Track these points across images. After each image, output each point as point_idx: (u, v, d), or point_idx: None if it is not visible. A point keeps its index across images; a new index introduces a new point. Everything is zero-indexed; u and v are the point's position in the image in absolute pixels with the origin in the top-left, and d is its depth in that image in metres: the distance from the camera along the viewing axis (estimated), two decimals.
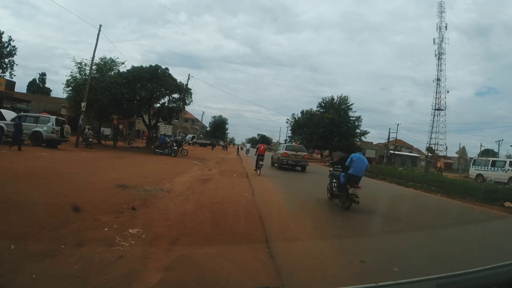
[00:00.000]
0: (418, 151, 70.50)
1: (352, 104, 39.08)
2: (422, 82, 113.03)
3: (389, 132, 47.52)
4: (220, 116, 76.72)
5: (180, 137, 40.36)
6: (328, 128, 35.90)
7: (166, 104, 22.10)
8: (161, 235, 4.01)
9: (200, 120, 70.75)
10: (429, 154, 71.00)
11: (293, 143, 25.25)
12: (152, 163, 13.55)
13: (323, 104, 40.31)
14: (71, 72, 23.26)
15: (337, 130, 36.29)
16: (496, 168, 20.47)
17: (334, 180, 7.60)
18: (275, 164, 16.46)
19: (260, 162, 13.21)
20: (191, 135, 48.86)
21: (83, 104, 18.40)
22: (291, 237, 4.48)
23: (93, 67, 22.98)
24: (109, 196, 6.03)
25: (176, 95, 22.13)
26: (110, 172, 9.24)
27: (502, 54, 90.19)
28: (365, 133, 39.78)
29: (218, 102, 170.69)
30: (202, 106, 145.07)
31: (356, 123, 38.93)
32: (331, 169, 9.12)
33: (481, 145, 40.91)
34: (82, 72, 23.19)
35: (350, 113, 39.05)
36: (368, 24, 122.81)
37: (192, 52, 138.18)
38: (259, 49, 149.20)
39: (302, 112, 49.52)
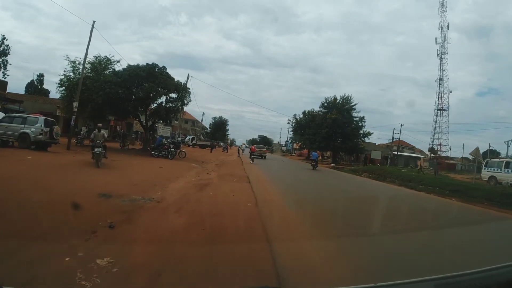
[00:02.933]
0: (421, 151, 69.74)
1: (355, 104, 38.19)
2: (423, 83, 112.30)
3: (393, 133, 46.50)
4: (221, 117, 75.65)
5: (179, 138, 39.39)
6: (331, 129, 34.92)
7: (164, 104, 21.14)
8: (139, 268, 3.05)
9: (200, 121, 69.96)
10: (432, 155, 70.07)
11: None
12: (146, 167, 12.59)
13: (325, 104, 39.33)
14: (65, 71, 22.36)
15: (340, 131, 35.33)
16: (510, 170, 19.48)
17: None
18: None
19: (252, 156, 24.10)
20: (190, 137, 47.82)
21: (75, 104, 17.48)
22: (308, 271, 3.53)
23: (88, 65, 22.12)
24: (86, 209, 5.07)
25: (174, 95, 21.20)
26: (96, 178, 8.29)
27: (502, 54, 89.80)
28: (368, 134, 38.86)
29: (218, 103, 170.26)
30: (203, 108, 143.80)
31: (360, 124, 38.01)
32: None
33: (489, 146, 39.99)
34: (76, 71, 22.30)
35: (354, 114, 38.13)
36: (369, 25, 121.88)
37: (193, 54, 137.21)
38: (259, 50, 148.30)
39: (303, 113, 48.54)
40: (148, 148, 19.65)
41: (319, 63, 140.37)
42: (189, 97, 21.28)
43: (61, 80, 22.12)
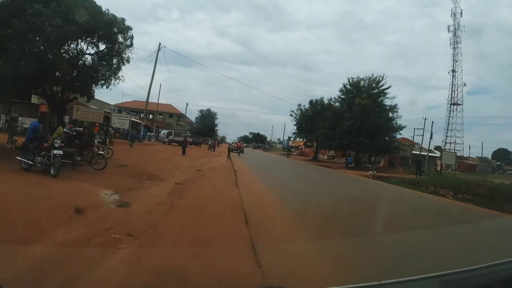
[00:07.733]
0: (429, 151, 62.07)
1: (388, 88, 28.19)
2: (415, 81, 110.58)
3: (424, 130, 37.44)
4: (208, 109, 64.52)
5: (130, 129, 28.64)
6: (358, 119, 24.98)
7: (79, 60, 10.66)
8: None
9: (184, 113, 59.27)
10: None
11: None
12: None
13: (348, 86, 29.13)
14: None
15: (369, 122, 25.37)
16: None
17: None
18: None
19: (238, 150, 28.87)
20: (166, 131, 36.88)
21: None
22: None
23: None
24: None
25: (103, 45, 10.90)
26: None
27: (493, 53, 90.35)
28: (400, 128, 28.99)
29: (210, 100, 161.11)
30: (194, 105, 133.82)
31: (391, 114, 28.22)
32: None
33: None
34: None
35: (385, 101, 28.22)
36: (362, 24, 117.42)
37: (185, 50, 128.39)
38: (252, 47, 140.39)
39: (310, 102, 38.59)
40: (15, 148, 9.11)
41: (312, 61, 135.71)
42: (131, 48, 10.98)
43: None
